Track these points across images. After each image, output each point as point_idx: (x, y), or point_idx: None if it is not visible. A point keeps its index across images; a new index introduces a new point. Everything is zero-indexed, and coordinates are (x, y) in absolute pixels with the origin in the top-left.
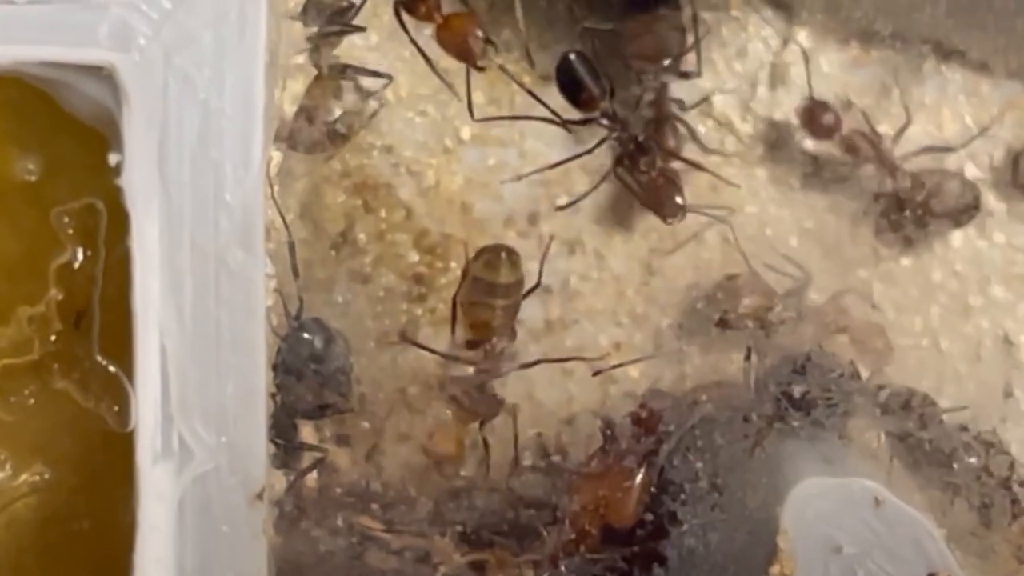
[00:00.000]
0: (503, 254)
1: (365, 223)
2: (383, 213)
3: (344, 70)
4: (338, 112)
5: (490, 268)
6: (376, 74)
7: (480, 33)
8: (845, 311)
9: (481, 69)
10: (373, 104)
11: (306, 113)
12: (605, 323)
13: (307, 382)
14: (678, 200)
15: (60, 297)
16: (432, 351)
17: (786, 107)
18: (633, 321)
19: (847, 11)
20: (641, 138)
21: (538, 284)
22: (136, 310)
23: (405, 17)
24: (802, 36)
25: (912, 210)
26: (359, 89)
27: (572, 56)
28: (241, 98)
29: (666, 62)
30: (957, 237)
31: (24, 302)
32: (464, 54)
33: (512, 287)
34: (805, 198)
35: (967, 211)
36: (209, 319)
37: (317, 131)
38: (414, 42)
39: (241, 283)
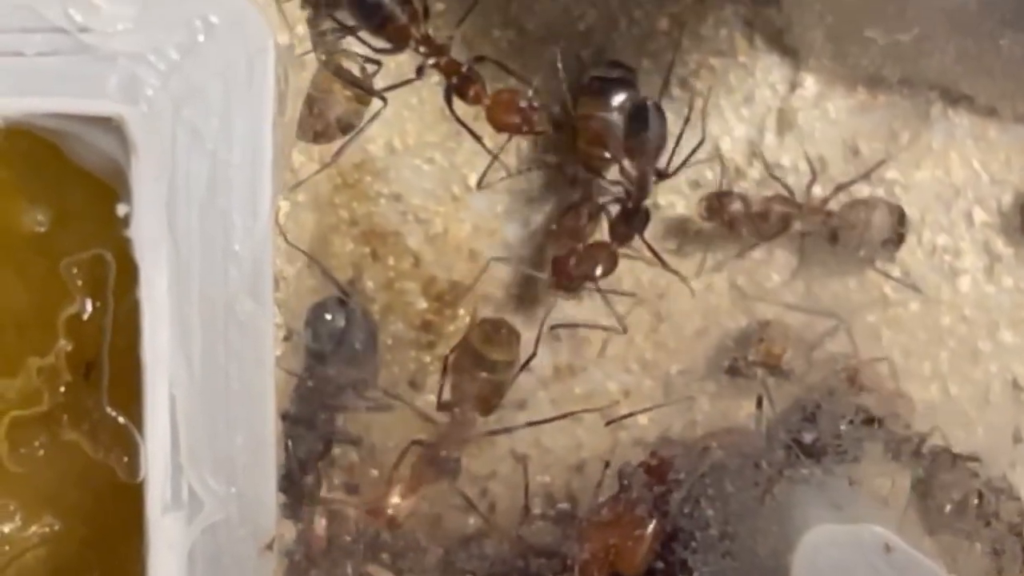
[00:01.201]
0: (503, 331)
1: (373, 271)
2: (391, 261)
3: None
4: (341, 107)
5: (485, 340)
6: (375, 93)
7: (527, 103)
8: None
9: (541, 133)
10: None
11: (312, 103)
12: (614, 370)
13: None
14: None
15: (69, 348)
16: (410, 406)
17: (794, 153)
18: (642, 367)
19: (855, 57)
20: (647, 205)
21: (533, 355)
22: (145, 361)
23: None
24: (809, 82)
25: (851, 247)
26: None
27: (650, 103)
28: (249, 148)
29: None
30: (965, 282)
31: (33, 353)
32: (521, 127)
33: (499, 365)
34: (812, 243)
35: (898, 236)
36: (218, 369)
37: (321, 121)
38: (471, 131)
39: (250, 333)
